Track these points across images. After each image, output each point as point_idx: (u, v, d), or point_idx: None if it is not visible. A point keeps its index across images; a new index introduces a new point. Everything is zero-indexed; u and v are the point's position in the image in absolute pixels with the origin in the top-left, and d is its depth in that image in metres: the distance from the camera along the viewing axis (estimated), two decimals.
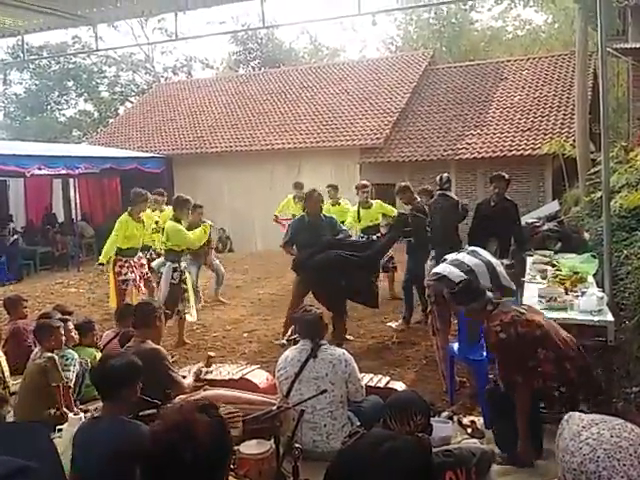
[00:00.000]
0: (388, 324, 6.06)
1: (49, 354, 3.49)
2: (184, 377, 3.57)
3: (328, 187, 8.43)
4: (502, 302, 3.06)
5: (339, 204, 7.98)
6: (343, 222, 8.03)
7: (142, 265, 6.31)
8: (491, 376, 3.94)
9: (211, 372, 3.84)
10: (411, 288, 6.00)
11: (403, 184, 6.41)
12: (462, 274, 4.06)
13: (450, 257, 4.35)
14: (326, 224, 5.52)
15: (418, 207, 6.08)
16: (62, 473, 2.20)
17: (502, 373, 2.89)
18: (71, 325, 3.92)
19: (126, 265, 6.07)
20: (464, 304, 3.20)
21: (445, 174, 6.37)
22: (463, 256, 4.25)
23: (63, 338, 3.75)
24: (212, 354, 4.22)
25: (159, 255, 6.71)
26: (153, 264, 6.69)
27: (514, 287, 4.31)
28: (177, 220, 5.72)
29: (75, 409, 3.47)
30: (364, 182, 7.38)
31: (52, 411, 3.42)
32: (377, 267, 5.62)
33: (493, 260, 4.25)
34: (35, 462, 1.36)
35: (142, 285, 6.24)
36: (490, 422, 3.28)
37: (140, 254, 6.32)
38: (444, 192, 6.18)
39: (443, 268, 4.21)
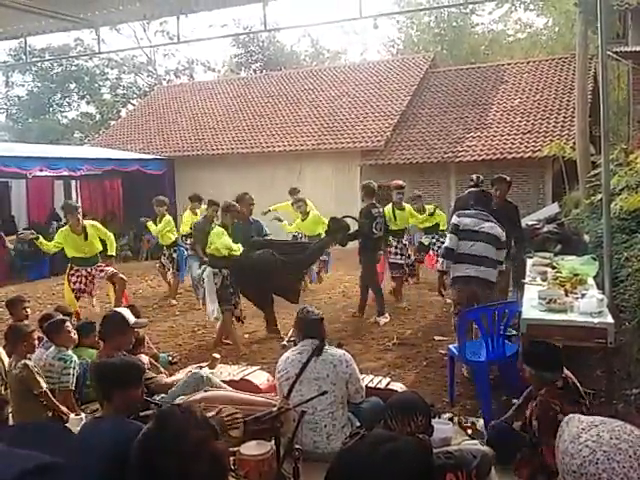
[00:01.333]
0: (378, 320, 6.28)
1: (23, 362, 3.42)
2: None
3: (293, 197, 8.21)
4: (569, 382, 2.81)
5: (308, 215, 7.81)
6: (319, 235, 7.92)
7: (93, 277, 6.32)
8: (491, 377, 3.97)
9: (212, 373, 3.85)
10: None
11: (364, 182, 6.53)
12: (488, 269, 4.20)
13: (453, 253, 4.35)
14: (254, 227, 5.87)
15: (364, 210, 6.28)
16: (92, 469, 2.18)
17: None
18: (70, 326, 3.91)
19: (76, 274, 6.23)
20: (535, 368, 2.81)
21: (480, 175, 6.50)
22: (464, 247, 4.27)
23: (36, 342, 3.71)
24: (217, 356, 4.20)
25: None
26: (204, 274, 6.54)
27: (504, 238, 4.45)
28: (224, 226, 5.65)
29: (77, 409, 3.46)
30: (401, 182, 7.15)
31: (49, 413, 3.41)
32: (304, 268, 5.96)
33: (485, 225, 4.36)
34: (69, 458, 1.42)
35: (90, 295, 6.42)
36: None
37: (100, 263, 6.35)
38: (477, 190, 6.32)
39: (464, 270, 4.23)
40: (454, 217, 4.52)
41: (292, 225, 8.13)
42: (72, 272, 6.26)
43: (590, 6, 8.52)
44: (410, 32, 27.18)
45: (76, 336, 3.91)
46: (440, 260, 4.58)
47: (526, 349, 3.03)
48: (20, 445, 1.57)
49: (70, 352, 3.78)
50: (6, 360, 3.71)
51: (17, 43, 21.84)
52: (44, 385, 3.40)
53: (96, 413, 3.36)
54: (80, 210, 6.38)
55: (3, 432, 2.24)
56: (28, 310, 4.70)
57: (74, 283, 6.23)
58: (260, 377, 3.89)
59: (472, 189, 6.27)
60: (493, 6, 22.96)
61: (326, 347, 3.15)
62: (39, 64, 26.47)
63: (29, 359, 3.56)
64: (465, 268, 4.26)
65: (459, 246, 4.35)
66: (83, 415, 3.31)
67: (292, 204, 8.22)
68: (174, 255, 8.10)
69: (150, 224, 8.10)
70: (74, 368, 3.69)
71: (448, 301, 7.06)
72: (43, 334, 4.01)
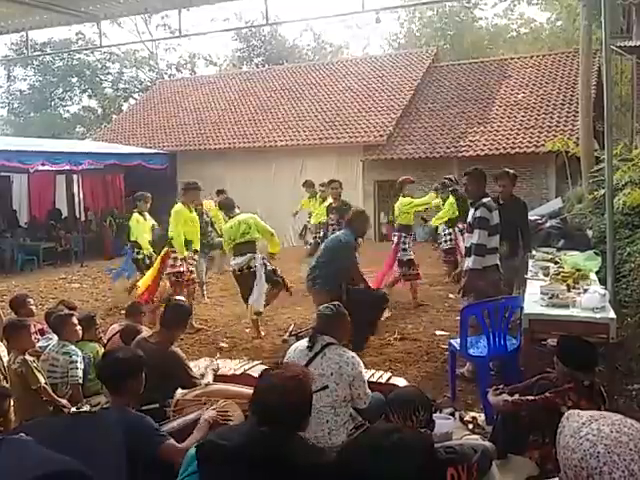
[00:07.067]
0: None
1: (21, 357, 3.41)
2: (202, 375, 3.59)
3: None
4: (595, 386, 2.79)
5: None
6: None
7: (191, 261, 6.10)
8: (492, 372, 3.97)
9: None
10: None
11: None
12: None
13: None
14: None
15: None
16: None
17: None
18: (75, 320, 3.89)
19: (180, 258, 5.92)
20: (569, 366, 2.75)
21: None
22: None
23: (33, 337, 3.69)
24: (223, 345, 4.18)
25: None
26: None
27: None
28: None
29: (81, 403, 3.46)
30: (411, 178, 7.16)
31: (51, 408, 3.41)
32: None
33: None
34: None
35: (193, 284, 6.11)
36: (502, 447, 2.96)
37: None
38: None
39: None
40: None
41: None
42: (175, 255, 5.89)
43: (593, 0, 8.47)
44: (412, 26, 27.10)
45: (81, 331, 3.89)
46: None
47: (562, 346, 2.93)
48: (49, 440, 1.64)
49: (74, 347, 3.77)
50: (4, 355, 3.70)
51: (19, 37, 21.77)
52: (42, 380, 3.39)
53: (97, 407, 3.37)
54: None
55: (43, 425, 2.28)
56: (32, 308, 4.62)
57: (179, 266, 5.87)
58: None
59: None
60: (496, 0, 22.93)
61: (335, 346, 3.08)
62: (41, 58, 26.42)
63: (29, 354, 3.56)
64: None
65: None
66: (85, 409, 3.31)
67: (309, 197, 8.95)
68: None
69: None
70: (80, 363, 3.68)
71: (450, 296, 7.07)
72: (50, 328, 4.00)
